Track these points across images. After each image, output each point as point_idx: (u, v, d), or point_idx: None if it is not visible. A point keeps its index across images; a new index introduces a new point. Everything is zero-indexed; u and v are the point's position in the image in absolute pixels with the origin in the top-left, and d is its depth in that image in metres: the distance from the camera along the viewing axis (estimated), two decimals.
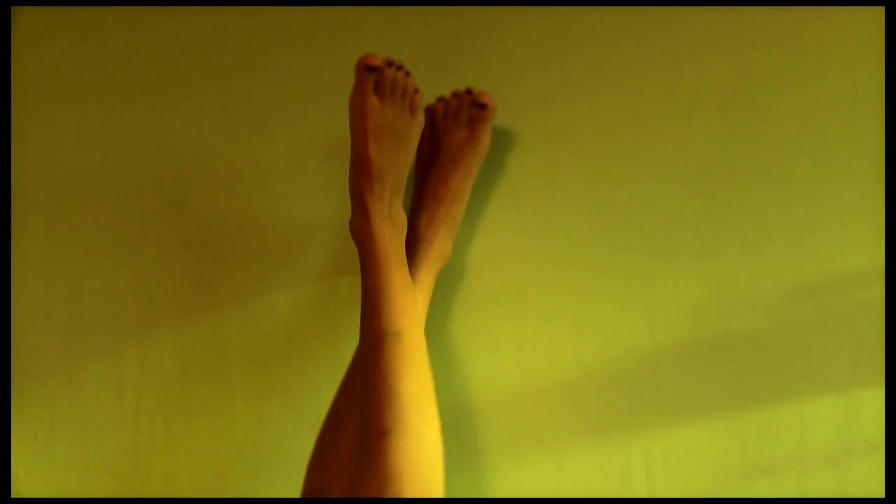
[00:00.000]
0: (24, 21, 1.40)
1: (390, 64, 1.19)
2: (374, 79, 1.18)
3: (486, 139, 1.23)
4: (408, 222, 1.22)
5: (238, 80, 1.35)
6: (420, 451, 1.01)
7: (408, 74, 1.21)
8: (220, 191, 1.34)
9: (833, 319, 1.07)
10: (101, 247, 1.38)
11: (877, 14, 1.17)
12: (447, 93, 1.27)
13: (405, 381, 1.05)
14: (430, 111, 1.26)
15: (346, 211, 1.28)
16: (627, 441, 1.15)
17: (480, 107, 1.22)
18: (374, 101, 1.18)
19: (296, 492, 1.11)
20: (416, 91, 1.22)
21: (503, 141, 1.26)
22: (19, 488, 1.40)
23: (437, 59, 1.30)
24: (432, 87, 1.27)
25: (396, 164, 1.19)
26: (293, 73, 1.34)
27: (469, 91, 1.24)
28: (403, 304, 1.12)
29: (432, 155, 1.25)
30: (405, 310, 1.12)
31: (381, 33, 1.33)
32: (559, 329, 1.19)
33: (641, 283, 1.17)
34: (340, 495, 1.06)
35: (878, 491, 1.03)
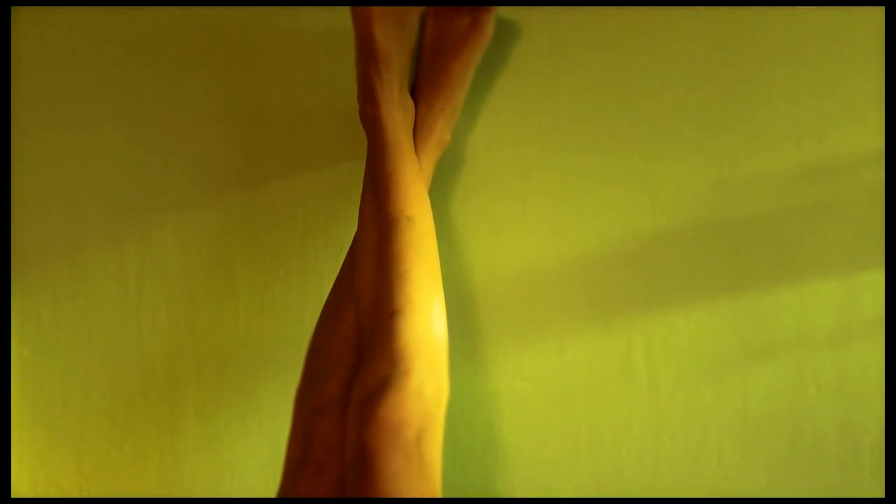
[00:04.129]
0: None
1: None
2: None
3: (488, 28, 1.21)
4: None
5: None
6: (429, 331, 1.03)
7: None
8: (219, 77, 1.32)
9: (836, 202, 1.08)
10: (100, 133, 1.37)
11: None
12: None
13: (416, 265, 1.07)
14: None
15: (345, 98, 1.27)
16: (628, 324, 1.16)
17: None
18: None
19: (296, 377, 1.12)
20: None
21: (505, 27, 1.25)
22: (24, 369, 1.41)
23: None
24: None
25: (401, 47, 1.18)
26: None
27: None
28: (415, 191, 1.12)
29: (433, 42, 1.23)
30: (417, 196, 1.12)
31: None
32: (561, 213, 1.19)
33: (644, 167, 1.17)
34: (340, 382, 1.07)
35: (877, 373, 1.05)
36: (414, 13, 1.20)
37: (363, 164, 1.18)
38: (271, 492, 1.05)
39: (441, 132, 1.21)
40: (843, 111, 1.10)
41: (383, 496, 0.92)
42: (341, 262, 1.20)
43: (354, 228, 1.18)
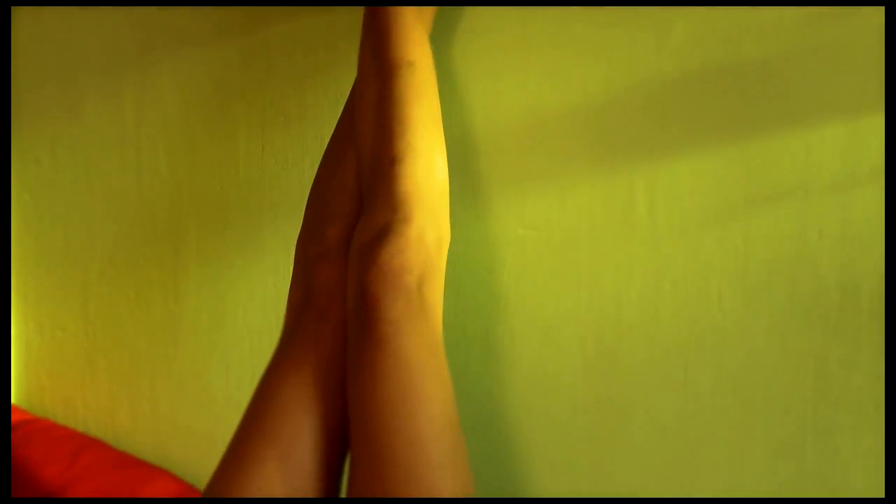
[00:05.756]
0: None
1: None
2: None
3: None
4: None
5: None
6: (430, 177, 1.03)
7: None
8: None
9: (844, 45, 1.05)
10: None
11: None
12: None
13: (417, 110, 1.05)
14: None
15: None
16: (631, 171, 1.15)
17: None
18: None
19: (298, 222, 1.12)
20: None
21: None
22: (26, 212, 1.41)
23: None
24: None
25: None
26: None
27: None
28: (415, 35, 1.10)
29: None
30: (417, 41, 1.10)
31: None
32: (564, 58, 1.17)
33: (650, 11, 1.14)
34: (340, 229, 1.07)
35: (880, 219, 1.04)
36: None
37: (363, 7, 1.15)
38: (273, 336, 1.06)
39: None
40: None
41: (385, 341, 0.93)
42: (341, 108, 1.18)
43: (354, 74, 1.16)
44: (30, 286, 1.45)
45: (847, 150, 1.06)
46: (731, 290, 1.12)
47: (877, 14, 1.03)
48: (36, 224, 1.42)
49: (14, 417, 1.42)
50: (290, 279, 1.09)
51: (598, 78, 1.16)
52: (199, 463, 1.37)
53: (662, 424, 1.16)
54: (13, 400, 1.49)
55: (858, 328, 1.07)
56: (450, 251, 1.05)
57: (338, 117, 1.18)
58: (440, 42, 1.20)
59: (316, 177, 1.14)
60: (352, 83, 1.17)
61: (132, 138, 1.36)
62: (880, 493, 1.07)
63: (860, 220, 1.06)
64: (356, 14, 1.20)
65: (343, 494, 0.96)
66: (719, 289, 1.12)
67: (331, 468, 0.96)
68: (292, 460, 0.94)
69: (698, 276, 1.13)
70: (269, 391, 0.98)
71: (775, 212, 1.09)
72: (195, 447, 1.38)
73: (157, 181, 1.35)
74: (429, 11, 1.17)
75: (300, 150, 1.29)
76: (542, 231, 1.19)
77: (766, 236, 1.10)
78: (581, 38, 1.16)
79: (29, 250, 1.44)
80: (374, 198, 1.02)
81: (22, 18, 1.38)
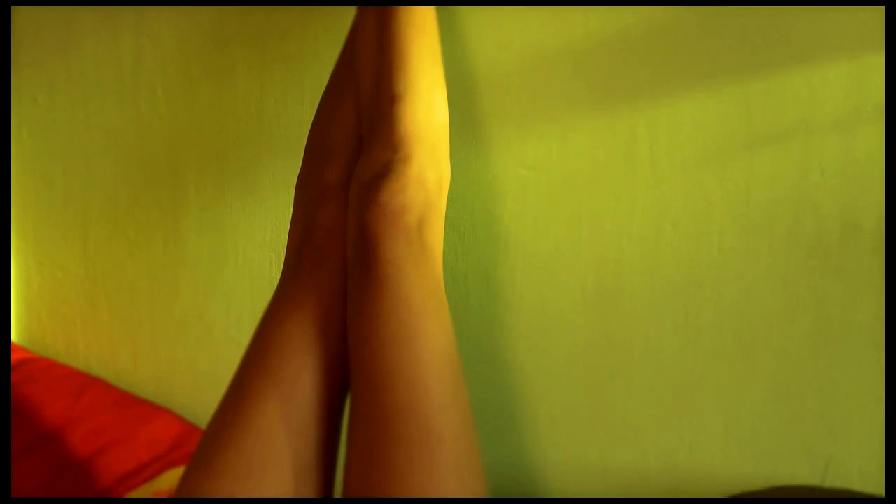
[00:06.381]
0: None
1: None
2: None
3: None
4: None
5: None
6: (430, 117, 1.02)
7: None
8: None
9: None
10: None
11: None
12: None
13: (417, 49, 1.04)
14: None
15: None
16: (632, 110, 1.14)
17: None
18: None
19: (297, 162, 1.12)
20: None
21: None
22: (24, 151, 1.41)
23: None
24: None
25: None
26: None
27: None
28: None
29: None
30: None
31: None
32: None
33: None
34: (341, 168, 1.07)
35: (879, 155, 1.04)
36: None
37: None
38: (274, 276, 1.06)
39: None
40: None
41: (385, 281, 0.93)
42: (340, 46, 1.17)
43: (354, 13, 1.15)
44: (29, 226, 1.45)
45: (849, 88, 1.05)
46: (732, 230, 1.12)
47: None
48: (34, 163, 1.41)
49: (15, 357, 1.42)
50: (290, 219, 1.09)
51: (600, 17, 1.14)
52: (200, 401, 1.38)
53: (662, 363, 1.17)
54: (14, 339, 1.50)
55: (859, 267, 1.08)
56: (450, 191, 1.05)
57: (337, 57, 1.17)
58: None
59: (315, 116, 1.14)
60: (351, 21, 1.16)
61: (130, 78, 1.34)
62: (879, 435, 1.08)
63: (862, 159, 1.05)
64: None
65: (343, 433, 0.97)
66: (720, 228, 1.12)
67: (332, 407, 0.97)
68: (293, 399, 0.94)
69: (699, 216, 1.13)
70: (270, 331, 0.98)
71: (777, 151, 1.09)
72: (196, 386, 1.39)
73: (155, 121, 1.35)
74: None
75: (299, 89, 1.28)
76: (543, 171, 1.19)
77: (768, 175, 1.10)
78: None
79: (28, 190, 1.43)
80: (373, 137, 1.02)
81: None
